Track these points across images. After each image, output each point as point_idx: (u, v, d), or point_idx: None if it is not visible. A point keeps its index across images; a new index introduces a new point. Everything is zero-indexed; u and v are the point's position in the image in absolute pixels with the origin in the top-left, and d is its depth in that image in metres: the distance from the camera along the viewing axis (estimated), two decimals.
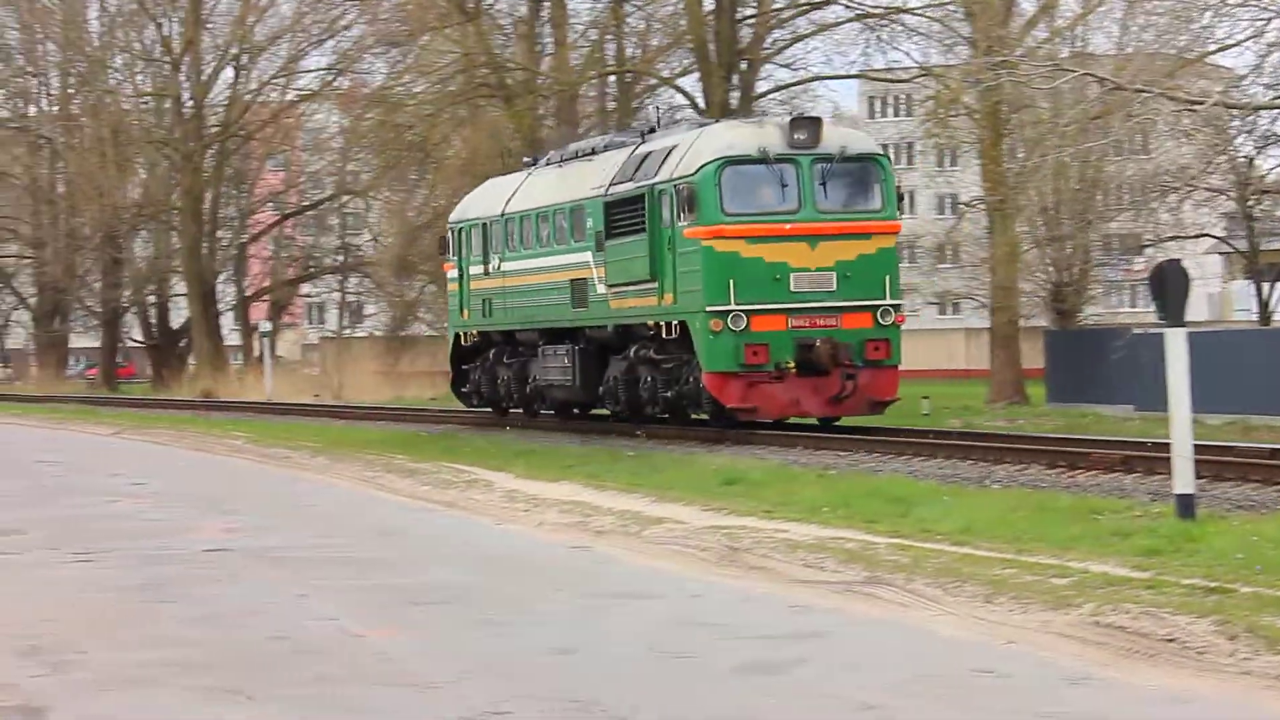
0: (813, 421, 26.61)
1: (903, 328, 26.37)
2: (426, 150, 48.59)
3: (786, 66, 46.22)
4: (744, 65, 44.25)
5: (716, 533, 15.80)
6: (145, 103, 68.38)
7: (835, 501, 17.46)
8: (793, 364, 25.23)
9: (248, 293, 70.75)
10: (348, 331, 72.83)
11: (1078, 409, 34.00)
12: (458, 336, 34.64)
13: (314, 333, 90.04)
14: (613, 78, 48.45)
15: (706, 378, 25.56)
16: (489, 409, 34.36)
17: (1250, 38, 30.74)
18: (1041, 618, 11.23)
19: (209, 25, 64.43)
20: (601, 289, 28.37)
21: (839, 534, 15.31)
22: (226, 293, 69.71)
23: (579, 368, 29.43)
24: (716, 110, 40.80)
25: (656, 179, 26.64)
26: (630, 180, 27.48)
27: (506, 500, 20.14)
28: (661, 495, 19.18)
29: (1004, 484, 18.83)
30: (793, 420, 26.82)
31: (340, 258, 70.13)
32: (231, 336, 71.71)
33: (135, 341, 75.33)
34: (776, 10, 45.39)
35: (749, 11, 44.73)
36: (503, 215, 32.28)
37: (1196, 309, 58.25)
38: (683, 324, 26.14)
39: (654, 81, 47.85)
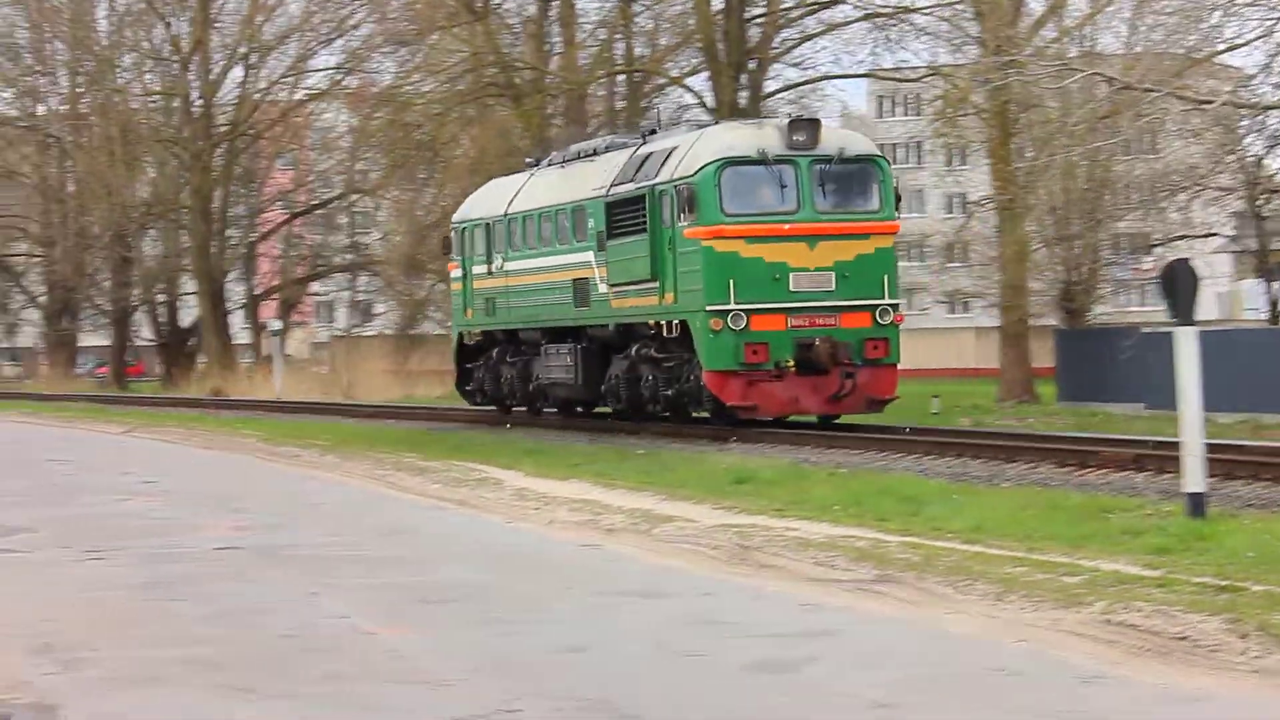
0: (821, 420, 26.63)
1: (903, 327, 26.46)
2: (435, 149, 48.65)
3: (795, 66, 46.33)
4: (753, 64, 44.25)
5: (727, 531, 15.80)
6: (154, 102, 68.37)
7: (846, 500, 17.46)
8: (792, 363, 25.31)
9: (257, 291, 70.75)
10: (357, 330, 72.88)
11: (1087, 408, 34.02)
12: (461, 335, 34.74)
13: (323, 331, 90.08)
14: (621, 77, 48.47)
15: (707, 376, 25.63)
16: (493, 406, 34.41)
17: (1259, 37, 30.71)
18: (1053, 616, 11.22)
19: (218, 24, 64.44)
20: (603, 288, 28.42)
21: (850, 532, 15.32)
22: (236, 291, 69.70)
23: (581, 366, 29.51)
24: (725, 109, 40.86)
25: (657, 180, 26.70)
26: (631, 181, 27.55)
27: (517, 498, 20.14)
28: (672, 493, 19.19)
29: (1014, 482, 18.81)
30: (792, 418, 26.86)
31: (349, 256, 70.08)
32: (241, 335, 71.71)
33: (145, 340, 75.35)
34: (785, 9, 45.40)
35: (758, 11, 44.77)
36: (505, 215, 32.33)
37: (1206, 308, 58.13)
38: (683, 323, 26.21)
39: (663, 81, 47.89)
